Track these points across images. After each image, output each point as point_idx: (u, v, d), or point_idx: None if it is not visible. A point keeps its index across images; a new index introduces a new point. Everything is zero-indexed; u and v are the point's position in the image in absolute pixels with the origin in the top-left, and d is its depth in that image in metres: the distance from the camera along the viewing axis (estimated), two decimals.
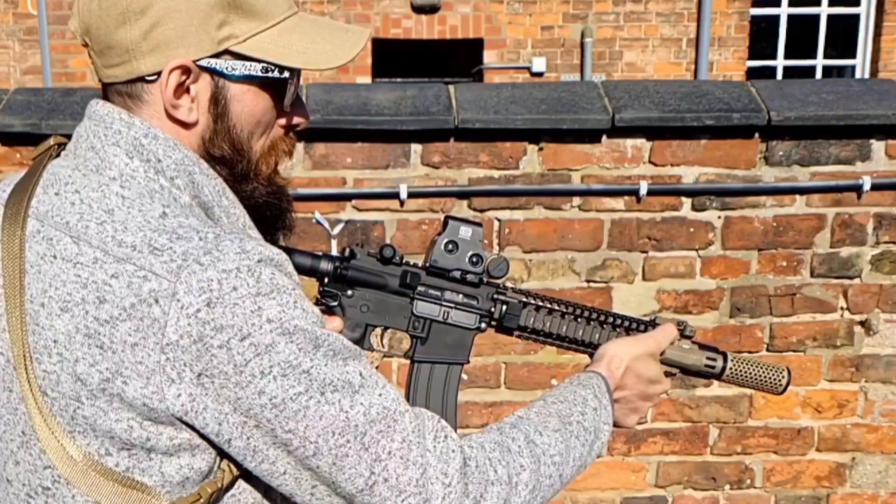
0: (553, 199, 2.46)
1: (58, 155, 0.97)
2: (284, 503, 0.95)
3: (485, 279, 1.20)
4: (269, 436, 0.85)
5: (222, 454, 0.90)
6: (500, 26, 7.14)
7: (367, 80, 7.01)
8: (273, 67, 0.93)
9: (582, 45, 7.10)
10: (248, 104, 0.94)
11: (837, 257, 2.51)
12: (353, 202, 2.46)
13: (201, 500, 0.89)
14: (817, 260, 2.51)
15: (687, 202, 2.48)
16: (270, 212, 1.02)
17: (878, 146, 2.47)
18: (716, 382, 2.54)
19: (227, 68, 0.92)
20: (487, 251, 1.20)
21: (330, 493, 0.89)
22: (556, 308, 1.24)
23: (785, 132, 2.45)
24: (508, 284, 1.25)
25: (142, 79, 0.91)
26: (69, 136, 0.99)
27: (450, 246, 1.18)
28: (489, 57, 7.19)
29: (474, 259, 1.19)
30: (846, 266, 2.51)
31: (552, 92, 2.53)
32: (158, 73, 0.90)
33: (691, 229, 2.48)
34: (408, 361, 1.21)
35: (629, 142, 2.46)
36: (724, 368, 1.26)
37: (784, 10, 7.45)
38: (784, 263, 2.51)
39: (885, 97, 2.48)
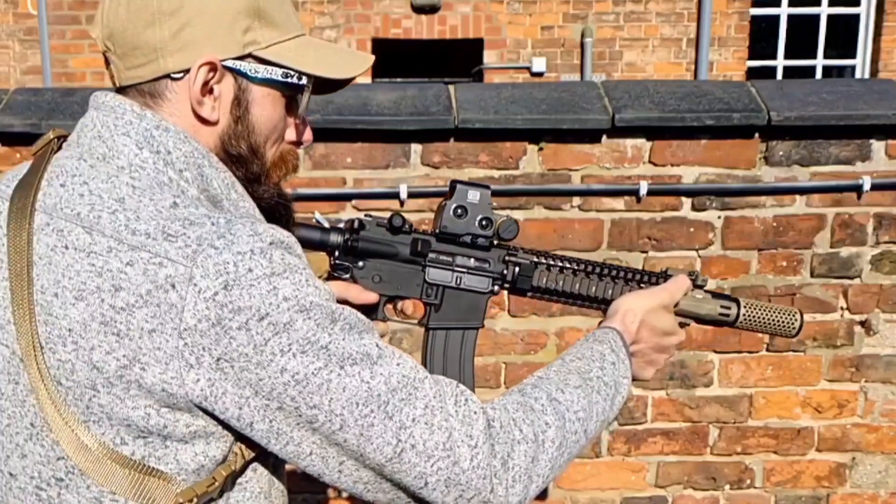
0: (553, 199, 2.47)
1: (59, 148, 0.98)
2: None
3: (495, 242, 1.20)
4: (293, 416, 0.86)
5: (239, 437, 0.91)
6: (500, 26, 7.14)
7: (367, 80, 7.00)
8: (293, 73, 0.98)
9: (582, 45, 7.10)
10: (266, 108, 0.98)
11: (837, 257, 2.51)
12: (353, 202, 2.46)
13: (216, 484, 0.90)
14: (817, 260, 2.51)
15: (687, 202, 2.48)
16: (276, 216, 1.04)
17: (878, 146, 2.47)
18: (716, 382, 2.54)
19: (250, 70, 0.96)
20: (496, 213, 1.20)
21: (358, 466, 0.90)
22: (569, 266, 1.23)
23: (785, 132, 2.45)
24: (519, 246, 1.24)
25: (167, 76, 0.94)
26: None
27: (458, 211, 1.18)
28: (489, 57, 7.19)
29: (484, 222, 1.18)
30: (846, 266, 2.51)
31: (552, 92, 2.53)
32: (184, 72, 0.93)
33: (691, 229, 2.48)
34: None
35: (629, 142, 2.46)
36: (738, 315, 1.26)
37: (784, 10, 7.45)
38: (784, 263, 2.51)
39: (885, 97, 2.48)
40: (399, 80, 7.31)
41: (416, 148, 2.45)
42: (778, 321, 1.27)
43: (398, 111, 2.42)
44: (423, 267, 1.19)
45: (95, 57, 6.93)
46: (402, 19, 7.10)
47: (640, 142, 2.46)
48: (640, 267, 2.49)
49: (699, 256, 2.50)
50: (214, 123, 0.96)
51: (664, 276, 1.25)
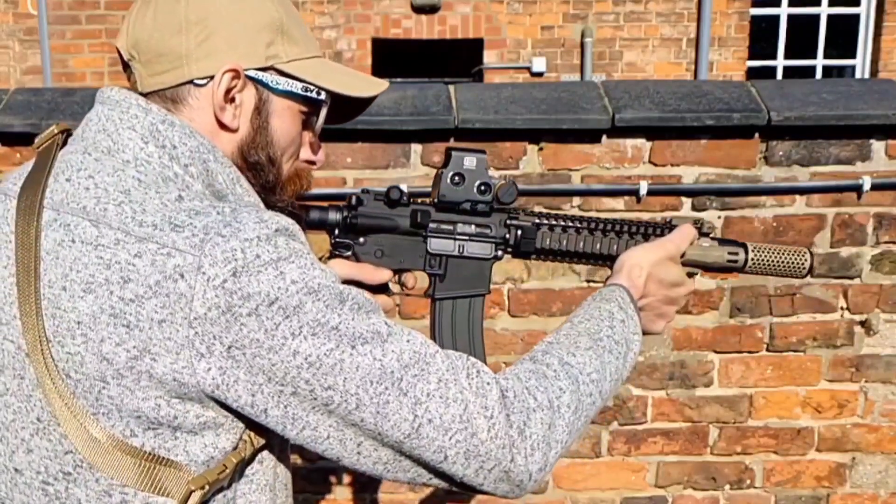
0: (553, 199, 2.47)
1: (64, 143, 0.99)
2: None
3: (495, 206, 1.19)
4: (308, 400, 0.87)
5: (249, 425, 0.91)
6: (500, 26, 7.14)
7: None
8: (312, 88, 1.00)
9: (582, 45, 7.10)
10: (286, 121, 1.01)
11: (837, 257, 2.51)
12: None
13: (226, 472, 0.91)
14: (817, 260, 2.51)
15: (687, 202, 2.48)
16: None
17: (878, 146, 2.47)
18: (716, 382, 2.54)
19: (272, 81, 0.98)
20: (494, 178, 1.19)
21: (376, 446, 0.90)
22: (571, 224, 1.22)
23: (785, 132, 2.45)
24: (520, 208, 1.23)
25: (191, 82, 0.96)
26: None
27: (456, 178, 1.17)
28: (489, 57, 7.18)
29: (482, 188, 1.17)
30: (846, 266, 2.51)
31: (552, 92, 2.53)
32: (208, 79, 0.95)
33: None
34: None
35: (629, 142, 2.46)
36: (746, 260, 1.24)
37: (784, 10, 7.45)
38: None
39: (885, 97, 2.48)
40: (399, 80, 7.31)
41: (416, 148, 2.45)
42: (787, 262, 1.24)
43: (398, 111, 2.42)
44: (424, 238, 1.18)
45: (95, 57, 6.93)
46: (402, 19, 7.10)
47: (640, 142, 2.46)
48: None
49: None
50: (234, 131, 0.98)
51: (669, 226, 1.23)
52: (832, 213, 2.49)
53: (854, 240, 2.50)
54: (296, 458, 2.41)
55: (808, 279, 2.51)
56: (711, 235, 1.25)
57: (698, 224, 1.23)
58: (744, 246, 1.25)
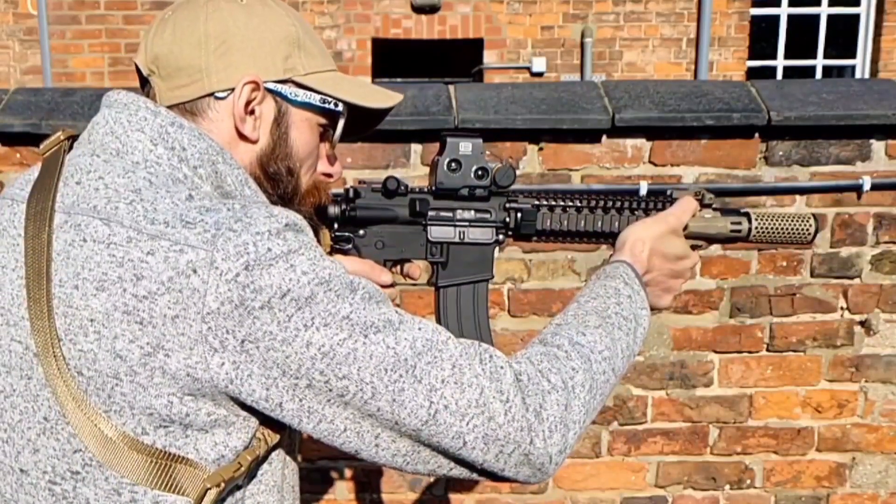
0: None
1: (70, 148, 0.99)
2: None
3: (493, 190, 1.18)
4: (324, 392, 0.87)
5: (263, 421, 0.91)
6: (500, 26, 7.14)
7: (367, 80, 6.98)
8: (329, 100, 1.02)
9: (582, 45, 7.10)
10: (305, 132, 1.03)
11: (837, 257, 2.51)
12: None
13: (242, 469, 0.91)
14: (817, 260, 2.51)
15: None
16: None
17: (878, 146, 2.47)
18: (716, 382, 2.54)
19: (290, 94, 1.01)
20: (491, 161, 1.18)
21: (394, 437, 0.90)
22: (571, 204, 1.21)
23: (785, 132, 2.45)
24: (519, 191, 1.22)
25: (211, 95, 0.97)
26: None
27: (452, 165, 1.17)
28: (489, 57, 7.19)
29: (479, 172, 1.17)
30: (846, 266, 2.51)
31: (552, 92, 2.53)
32: (228, 91, 0.97)
33: None
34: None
35: (629, 142, 2.46)
36: (750, 229, 1.23)
37: (784, 10, 7.45)
38: (784, 263, 2.51)
39: (885, 97, 2.48)
40: (399, 80, 7.32)
41: (416, 148, 2.45)
42: (792, 228, 1.23)
43: (398, 111, 2.42)
44: (424, 226, 1.17)
45: (95, 57, 6.93)
46: (402, 19, 7.10)
47: (640, 142, 2.46)
48: None
49: (699, 256, 2.50)
50: (254, 142, 1.00)
51: (669, 199, 1.21)
52: (832, 213, 2.49)
53: (854, 240, 2.50)
54: None
55: (809, 279, 2.51)
56: (714, 206, 1.23)
57: (699, 195, 1.21)
58: (747, 215, 1.23)
